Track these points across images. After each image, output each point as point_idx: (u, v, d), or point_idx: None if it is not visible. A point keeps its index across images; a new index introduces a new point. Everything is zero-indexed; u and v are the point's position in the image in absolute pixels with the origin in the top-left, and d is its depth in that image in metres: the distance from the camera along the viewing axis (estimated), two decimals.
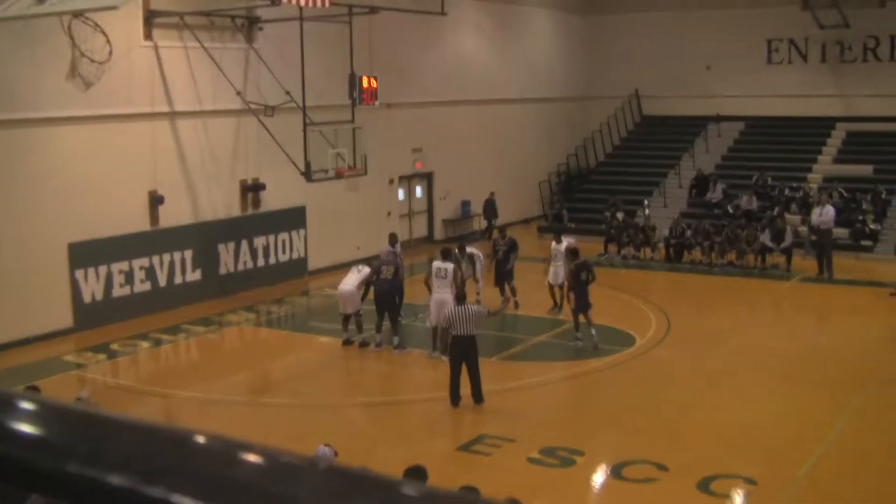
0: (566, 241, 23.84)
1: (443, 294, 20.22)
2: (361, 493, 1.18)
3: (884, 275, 27.68)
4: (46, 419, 1.38)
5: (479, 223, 36.65)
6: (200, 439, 1.27)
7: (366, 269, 21.42)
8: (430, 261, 21.39)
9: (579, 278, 21.38)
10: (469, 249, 24.82)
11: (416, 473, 10.22)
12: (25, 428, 1.34)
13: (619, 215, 32.91)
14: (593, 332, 21.04)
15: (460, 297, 18.10)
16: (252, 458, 1.24)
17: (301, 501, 1.18)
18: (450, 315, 17.51)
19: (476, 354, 17.44)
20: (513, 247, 24.87)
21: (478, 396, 17.40)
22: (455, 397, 17.35)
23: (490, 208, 36.23)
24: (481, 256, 24.77)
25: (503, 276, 24.68)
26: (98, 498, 1.24)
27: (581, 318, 21.26)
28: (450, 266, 20.57)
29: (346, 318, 21.41)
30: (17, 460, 1.31)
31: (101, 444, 1.28)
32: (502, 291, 24.68)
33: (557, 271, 23.65)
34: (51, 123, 22.28)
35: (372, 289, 21.21)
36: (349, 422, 17.48)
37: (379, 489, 1.20)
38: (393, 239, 23.61)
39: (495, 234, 26.45)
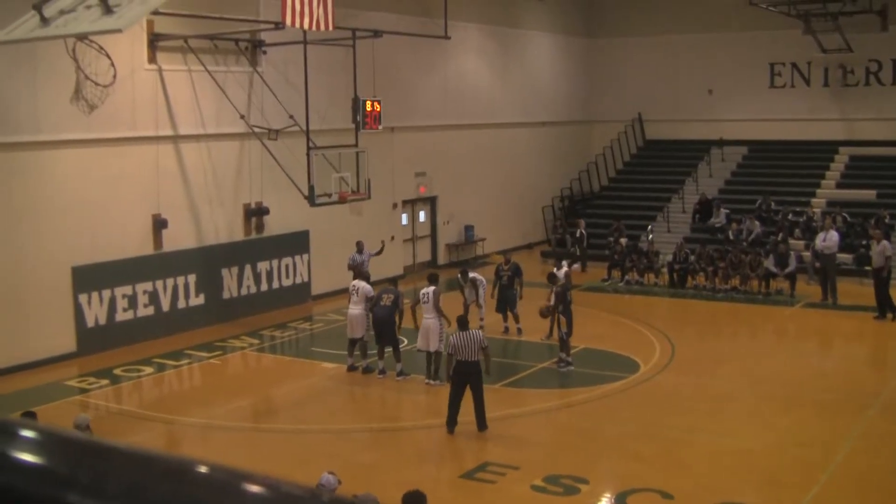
0: (566, 267, 23.72)
1: (428, 320, 20.34)
2: None
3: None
4: (47, 448, 1.34)
5: (483, 248, 36.60)
6: (202, 469, 1.23)
7: (362, 285, 21.32)
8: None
9: (566, 300, 21.38)
10: (472, 274, 24.80)
11: (415, 500, 10.14)
12: (27, 457, 1.30)
13: (623, 241, 32.92)
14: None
15: (462, 323, 18.01)
16: (255, 488, 1.20)
17: None
18: (454, 342, 17.42)
19: (481, 380, 17.35)
20: (516, 272, 24.81)
21: (482, 423, 17.29)
22: (452, 424, 17.24)
23: None
24: (484, 281, 24.75)
25: (506, 302, 24.60)
26: None
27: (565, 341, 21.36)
28: (430, 290, 20.61)
29: (353, 343, 21.37)
30: (18, 490, 1.27)
31: (102, 473, 1.25)
32: (505, 318, 24.63)
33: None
34: (54, 146, 22.32)
35: (370, 315, 21.19)
36: (352, 448, 17.40)
37: None
38: (360, 247, 26.23)
39: (500, 259, 26.36)
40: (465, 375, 17.18)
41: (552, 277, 22.20)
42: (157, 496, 1.19)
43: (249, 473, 1.20)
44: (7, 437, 1.35)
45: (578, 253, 33.05)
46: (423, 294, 20.65)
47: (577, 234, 33.96)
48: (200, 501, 1.19)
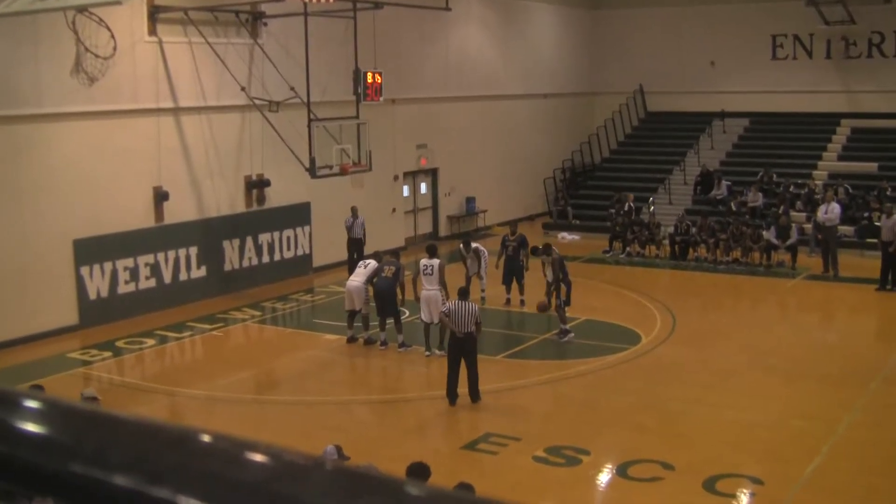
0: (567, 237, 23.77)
1: (431, 291, 20.39)
2: (368, 493, 1.15)
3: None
4: (51, 419, 1.34)
5: (484, 220, 36.59)
6: (207, 439, 1.24)
7: (372, 264, 21.45)
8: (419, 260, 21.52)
9: (564, 268, 21.44)
10: (474, 245, 24.80)
11: (419, 471, 10.18)
12: (30, 427, 1.31)
13: (627, 206, 32.83)
14: None
15: (463, 293, 18.02)
16: (259, 457, 1.20)
17: (308, 501, 1.15)
18: (450, 310, 17.43)
19: (475, 352, 17.40)
20: (522, 243, 24.73)
21: (475, 395, 17.35)
22: (452, 395, 17.29)
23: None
24: (486, 252, 24.74)
25: (512, 273, 24.56)
26: (103, 499, 1.21)
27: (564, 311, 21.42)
28: (435, 263, 20.66)
29: (352, 315, 21.40)
30: (21, 460, 1.28)
31: (106, 444, 1.25)
32: (508, 289, 24.62)
33: None
34: (55, 119, 22.28)
35: (372, 287, 21.21)
36: (354, 419, 17.46)
37: (385, 489, 1.16)
38: (354, 212, 27.98)
39: (506, 230, 26.29)
40: (459, 347, 17.23)
41: (538, 250, 22.26)
42: (162, 466, 1.19)
43: (253, 442, 1.20)
44: (9, 407, 1.35)
45: (619, 233, 32.32)
46: (426, 266, 20.64)
47: (626, 208, 33.39)
48: (206, 471, 1.19)
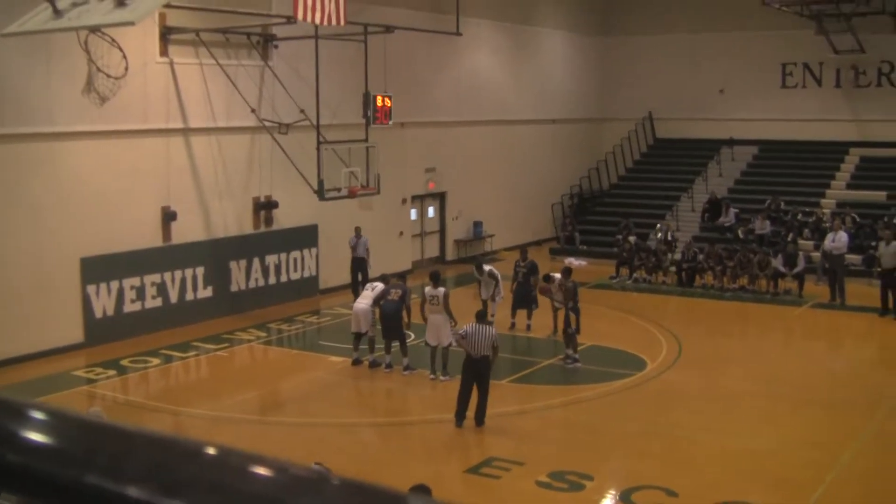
0: (575, 262, 23.82)
1: (436, 316, 20.40)
2: None
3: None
4: (65, 430, 1.36)
5: (492, 244, 36.61)
6: (219, 452, 1.26)
7: (379, 286, 21.47)
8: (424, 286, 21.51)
9: (575, 297, 21.46)
10: (487, 268, 24.82)
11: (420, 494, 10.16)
12: (44, 439, 1.33)
13: (631, 239, 32.88)
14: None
15: (480, 316, 18.03)
16: (267, 471, 1.23)
17: None
18: (467, 332, 17.40)
19: (488, 376, 17.39)
20: (533, 270, 24.69)
21: (480, 419, 17.32)
22: (461, 417, 17.27)
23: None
24: (499, 275, 24.75)
25: (523, 301, 24.51)
26: None
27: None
28: (440, 292, 20.63)
29: (358, 338, 21.40)
30: (35, 471, 1.30)
31: (120, 455, 1.27)
32: (514, 314, 24.57)
33: None
34: (65, 138, 22.37)
35: (379, 310, 21.20)
36: (358, 441, 17.45)
37: (390, 502, 1.19)
38: (357, 232, 28.03)
39: (516, 255, 26.25)
40: (473, 369, 17.21)
41: (550, 278, 22.46)
42: (176, 478, 1.22)
43: (263, 457, 1.23)
44: (24, 419, 1.38)
45: (626, 259, 32.19)
46: (432, 297, 20.61)
47: (633, 242, 32.97)
48: (218, 483, 1.21)
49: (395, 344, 20.89)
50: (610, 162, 41.71)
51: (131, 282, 23.94)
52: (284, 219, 27.92)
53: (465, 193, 35.53)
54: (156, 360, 22.26)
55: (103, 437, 1.32)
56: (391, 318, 20.71)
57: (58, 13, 16.39)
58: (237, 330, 24.87)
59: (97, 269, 23.14)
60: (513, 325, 24.53)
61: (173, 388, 21.13)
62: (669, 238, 33.10)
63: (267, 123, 25.99)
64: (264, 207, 27.48)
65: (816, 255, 30.93)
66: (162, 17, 24.13)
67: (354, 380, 21.08)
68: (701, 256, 30.61)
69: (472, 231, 36.28)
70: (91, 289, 23.09)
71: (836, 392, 19.75)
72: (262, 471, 1.21)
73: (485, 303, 23.74)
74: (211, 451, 1.25)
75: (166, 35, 24.47)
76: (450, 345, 20.02)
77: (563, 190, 40.45)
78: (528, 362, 22.44)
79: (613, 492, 14.83)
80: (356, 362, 21.47)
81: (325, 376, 21.30)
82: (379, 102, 26.13)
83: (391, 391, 20.66)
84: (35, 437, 1.33)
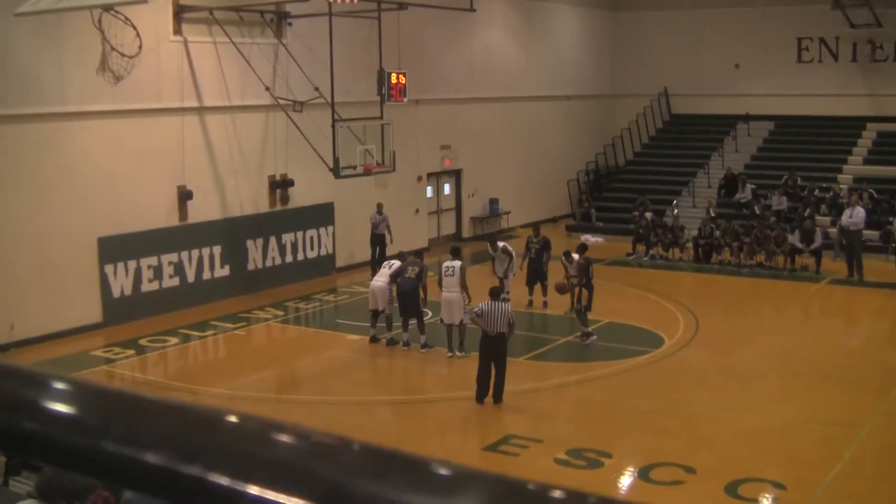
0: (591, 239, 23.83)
1: (451, 293, 20.29)
2: (395, 471, 1.16)
3: None
4: (81, 399, 1.36)
5: (508, 221, 36.58)
6: (236, 419, 1.25)
7: (396, 263, 21.47)
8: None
9: (588, 273, 21.43)
10: (501, 244, 24.82)
11: None
12: (61, 408, 1.33)
13: (648, 215, 32.79)
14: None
15: (495, 293, 17.99)
16: (287, 437, 1.21)
17: (337, 478, 1.16)
18: (482, 310, 17.38)
19: (505, 353, 17.36)
20: (546, 246, 24.72)
21: (499, 396, 17.31)
22: (482, 394, 17.27)
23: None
24: (513, 252, 24.75)
25: (536, 276, 24.55)
26: (135, 476, 1.22)
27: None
28: (457, 265, 20.57)
29: (375, 315, 21.40)
30: (54, 440, 1.30)
31: (137, 423, 1.26)
32: (531, 291, 24.61)
33: None
34: (80, 118, 22.39)
35: (395, 287, 21.21)
36: (376, 419, 17.49)
37: (414, 467, 1.17)
38: (379, 208, 28.46)
39: (528, 232, 26.26)
40: (491, 346, 17.18)
41: (583, 248, 22.53)
42: (192, 445, 1.20)
43: (282, 423, 1.21)
44: (42, 388, 1.37)
45: (643, 236, 32.08)
46: (448, 268, 20.59)
47: (649, 218, 32.73)
48: (235, 450, 1.20)
49: (413, 321, 20.88)
50: (626, 138, 41.54)
51: (148, 261, 23.98)
52: (300, 197, 27.92)
53: (480, 170, 35.47)
54: (174, 340, 22.32)
55: (117, 405, 1.31)
56: (407, 295, 20.71)
57: None
58: (254, 309, 24.92)
59: (114, 248, 23.19)
60: (530, 303, 24.53)
61: (191, 367, 21.20)
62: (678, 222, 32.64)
63: (281, 101, 25.96)
64: (280, 186, 27.48)
65: (833, 230, 30.80)
66: None
67: (372, 358, 21.11)
68: (717, 233, 30.52)
69: (488, 208, 36.24)
70: (108, 269, 23.15)
71: (853, 369, 19.68)
72: (279, 436, 1.20)
73: (501, 280, 23.73)
74: (225, 417, 1.24)
75: (180, 13, 24.44)
76: (462, 322, 20.00)
77: (578, 166, 40.34)
78: (545, 339, 22.44)
79: (632, 469, 14.85)
80: (374, 340, 21.48)
81: (343, 354, 21.33)
82: (393, 80, 26.06)
83: (408, 369, 20.69)
84: (51, 405, 1.32)
